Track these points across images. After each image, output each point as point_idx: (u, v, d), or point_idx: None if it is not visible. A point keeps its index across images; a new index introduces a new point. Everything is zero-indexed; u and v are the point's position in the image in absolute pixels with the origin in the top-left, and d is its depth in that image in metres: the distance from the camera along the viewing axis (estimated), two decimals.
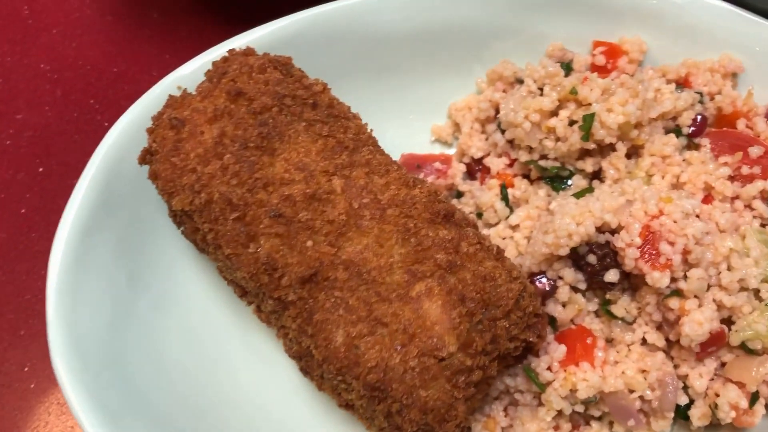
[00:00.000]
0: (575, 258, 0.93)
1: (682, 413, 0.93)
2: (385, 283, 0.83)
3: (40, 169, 1.31)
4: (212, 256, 0.92)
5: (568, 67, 1.11)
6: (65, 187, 1.25)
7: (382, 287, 0.83)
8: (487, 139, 1.11)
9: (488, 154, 1.11)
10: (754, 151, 1.00)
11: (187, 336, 1.04)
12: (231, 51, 1.00)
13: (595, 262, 0.91)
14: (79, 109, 1.37)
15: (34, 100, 1.38)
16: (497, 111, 1.11)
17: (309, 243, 0.85)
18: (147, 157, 0.96)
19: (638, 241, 0.88)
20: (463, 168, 1.12)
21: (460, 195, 1.10)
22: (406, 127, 1.15)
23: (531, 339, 0.88)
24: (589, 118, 0.98)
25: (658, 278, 0.87)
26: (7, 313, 1.19)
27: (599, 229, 0.91)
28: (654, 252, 0.88)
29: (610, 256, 0.91)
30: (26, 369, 1.15)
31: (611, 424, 0.94)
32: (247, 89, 0.92)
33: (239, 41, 1.07)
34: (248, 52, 0.99)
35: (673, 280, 0.89)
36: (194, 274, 1.08)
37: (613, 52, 1.12)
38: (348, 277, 0.84)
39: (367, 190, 0.87)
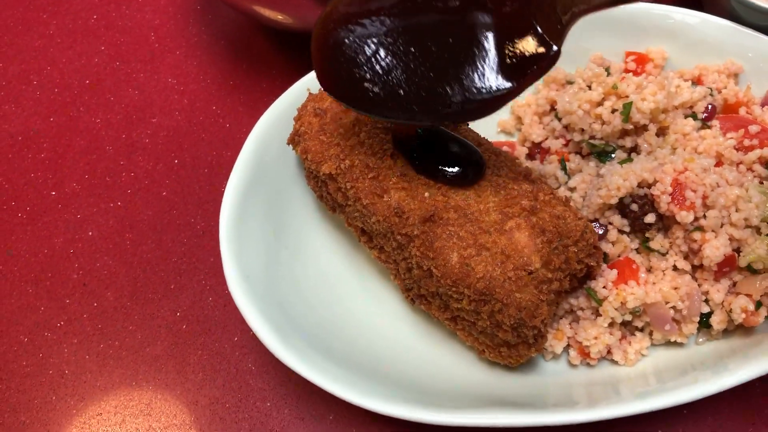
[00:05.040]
0: (621, 207, 1.10)
1: (704, 322, 1.09)
2: (485, 221, 1.02)
3: (176, 161, 1.51)
4: (349, 209, 1.12)
5: (607, 71, 1.27)
6: (197, 174, 1.49)
7: (482, 224, 1.02)
8: (544, 128, 1.31)
9: (546, 139, 1.29)
10: (753, 129, 1.15)
11: (317, 277, 1.23)
12: None
13: (637, 209, 1.09)
14: (203, 113, 1.56)
15: (165, 107, 1.58)
16: (552, 106, 1.32)
17: (426, 194, 1.05)
18: (295, 138, 1.18)
19: (669, 189, 1.06)
20: (525, 150, 1.31)
21: None
22: (476, 122, 1.29)
23: (591, 263, 1.06)
24: (628, 106, 1.15)
25: (685, 216, 1.04)
26: (159, 272, 1.38)
27: (639, 185, 1.09)
28: (681, 197, 1.05)
29: (648, 204, 1.09)
30: (178, 314, 1.33)
31: (651, 333, 1.11)
32: None
33: None
34: None
35: (696, 219, 1.06)
36: (318, 232, 1.28)
37: (641, 59, 1.30)
38: (457, 217, 1.03)
39: None
